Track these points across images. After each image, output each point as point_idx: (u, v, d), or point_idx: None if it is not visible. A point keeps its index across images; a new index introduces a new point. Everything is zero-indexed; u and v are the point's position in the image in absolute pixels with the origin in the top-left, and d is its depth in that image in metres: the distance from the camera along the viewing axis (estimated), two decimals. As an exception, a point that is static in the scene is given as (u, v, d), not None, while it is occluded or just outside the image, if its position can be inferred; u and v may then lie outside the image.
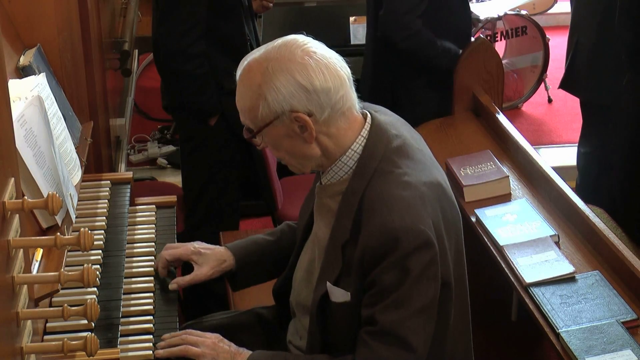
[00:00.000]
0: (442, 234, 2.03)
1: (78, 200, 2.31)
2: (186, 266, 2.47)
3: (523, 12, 5.84)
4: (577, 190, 4.04)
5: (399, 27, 3.70)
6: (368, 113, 2.11)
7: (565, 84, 4.12)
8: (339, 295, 2.07)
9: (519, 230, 2.82)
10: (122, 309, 2.25)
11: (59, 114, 2.35)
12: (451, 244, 2.08)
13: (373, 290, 2.00)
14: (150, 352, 2.15)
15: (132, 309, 2.30)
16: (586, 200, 2.93)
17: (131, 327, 2.23)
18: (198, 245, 2.42)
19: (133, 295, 2.35)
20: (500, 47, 5.77)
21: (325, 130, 2.04)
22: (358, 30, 4.88)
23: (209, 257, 2.39)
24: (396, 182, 2.01)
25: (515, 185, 3.15)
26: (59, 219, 2.03)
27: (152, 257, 2.52)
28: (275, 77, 1.98)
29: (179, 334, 2.18)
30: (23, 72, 2.32)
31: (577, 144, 4.30)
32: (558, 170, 3.13)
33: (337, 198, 2.10)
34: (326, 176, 2.12)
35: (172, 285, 2.38)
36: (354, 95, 2.07)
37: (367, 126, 2.09)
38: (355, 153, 2.07)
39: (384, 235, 1.96)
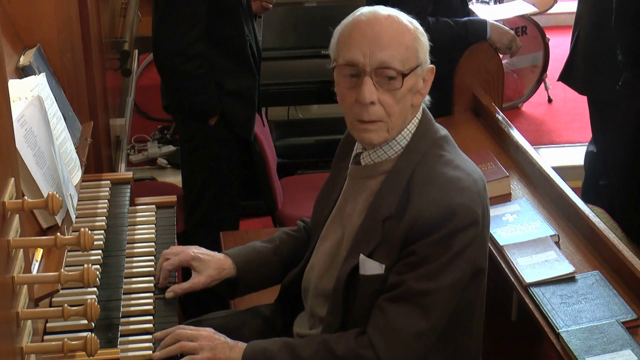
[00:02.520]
0: (486, 222, 2.11)
1: (78, 200, 2.31)
2: (185, 270, 2.47)
3: (523, 11, 5.84)
4: (582, 190, 4.04)
5: None
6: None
7: (563, 77, 4.12)
8: (371, 267, 2.08)
9: (519, 230, 2.83)
10: (122, 309, 2.25)
11: (59, 114, 2.35)
12: (487, 236, 2.15)
13: (410, 259, 2.03)
14: (150, 352, 2.14)
15: (132, 309, 2.30)
16: (589, 201, 2.93)
17: (131, 327, 2.23)
18: (197, 250, 2.40)
19: (133, 295, 2.35)
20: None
21: (417, 98, 2.14)
22: (358, 31, 4.87)
23: (209, 264, 2.37)
24: (451, 166, 2.09)
25: (515, 185, 3.15)
26: (59, 219, 2.03)
27: (152, 257, 2.51)
28: (421, 32, 2.11)
29: (171, 331, 2.16)
30: (23, 72, 2.32)
31: (577, 144, 4.30)
32: (558, 170, 3.13)
33: (379, 177, 2.13)
34: (371, 156, 2.14)
35: (169, 293, 2.36)
36: None
37: (421, 111, 2.17)
38: (409, 133, 2.13)
39: (439, 210, 2.01)
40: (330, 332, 2.15)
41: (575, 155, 4.98)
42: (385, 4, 3.72)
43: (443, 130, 2.19)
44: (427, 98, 2.19)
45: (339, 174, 2.28)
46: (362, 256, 2.09)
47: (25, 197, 1.47)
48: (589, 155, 4.15)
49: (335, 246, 2.22)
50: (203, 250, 2.42)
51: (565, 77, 4.08)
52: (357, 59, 2.03)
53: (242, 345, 2.13)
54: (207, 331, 2.15)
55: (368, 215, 2.11)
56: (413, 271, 2.02)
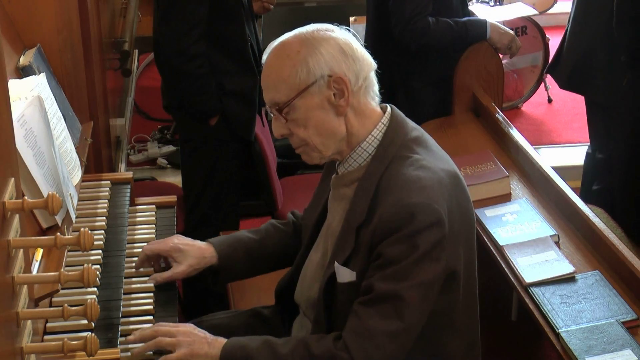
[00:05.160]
0: (455, 220, 2.06)
1: (78, 200, 2.31)
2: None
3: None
4: (580, 192, 4.04)
5: (409, 33, 3.70)
6: (388, 106, 2.17)
7: (550, 69, 4.12)
8: (345, 275, 2.08)
9: (519, 230, 2.83)
10: (122, 309, 2.25)
11: (59, 114, 2.35)
12: (463, 235, 2.11)
13: (377, 262, 2.02)
14: (151, 352, 2.14)
15: (132, 309, 2.30)
16: (588, 202, 2.93)
17: (131, 327, 2.23)
18: (178, 240, 2.40)
19: (133, 295, 2.35)
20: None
21: (356, 104, 2.09)
22: (358, 30, 4.88)
23: (189, 253, 2.37)
24: (414, 166, 2.06)
25: (515, 185, 3.15)
26: (59, 219, 2.03)
27: (152, 257, 2.52)
28: (318, 42, 2.06)
29: (150, 328, 2.14)
30: (23, 72, 2.32)
31: (577, 144, 4.31)
32: (558, 170, 3.13)
33: (353, 185, 2.13)
34: (344, 165, 2.16)
35: (150, 281, 2.37)
36: (376, 86, 2.15)
37: (388, 115, 2.15)
38: (375, 139, 2.12)
39: (399, 210, 1.99)
40: None
41: (575, 155, 4.98)
42: (386, 5, 3.77)
43: (416, 132, 2.15)
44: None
45: (326, 184, 2.29)
46: (336, 264, 2.09)
47: (25, 197, 1.47)
48: (585, 158, 4.16)
49: (322, 257, 2.23)
50: (184, 239, 2.41)
51: (552, 69, 4.09)
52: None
53: (222, 340, 2.11)
54: (187, 327, 2.14)
55: (344, 224, 2.12)
56: (380, 272, 2.01)
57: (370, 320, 2.00)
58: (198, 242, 2.41)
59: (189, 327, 2.14)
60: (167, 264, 2.44)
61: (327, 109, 2.07)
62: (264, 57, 2.12)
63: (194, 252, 2.37)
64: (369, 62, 2.12)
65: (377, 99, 2.16)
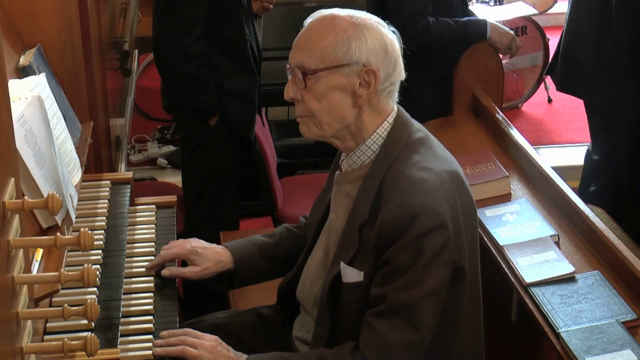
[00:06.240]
0: (460, 222, 2.06)
1: (78, 200, 2.31)
2: (185, 262, 2.48)
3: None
4: (579, 190, 4.03)
5: (409, 33, 3.70)
6: (395, 105, 2.18)
7: (549, 70, 4.12)
8: (351, 275, 2.08)
9: (519, 230, 2.83)
10: (122, 309, 2.25)
11: (59, 114, 2.35)
12: (467, 235, 2.11)
13: (386, 269, 2.02)
14: (150, 352, 2.15)
15: (132, 309, 2.30)
16: (585, 201, 2.93)
17: (131, 327, 2.23)
18: (195, 243, 2.42)
19: (133, 295, 2.35)
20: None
21: (375, 103, 2.10)
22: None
23: (207, 256, 2.39)
24: (417, 167, 2.07)
25: (515, 185, 3.15)
26: (59, 219, 2.03)
27: (152, 257, 2.51)
28: (366, 29, 2.08)
29: (178, 333, 2.17)
30: (23, 72, 2.32)
31: (577, 144, 4.30)
32: (558, 170, 3.13)
33: (357, 183, 2.14)
34: (348, 162, 2.16)
35: (165, 271, 2.40)
36: (397, 94, 2.16)
37: (394, 114, 2.15)
38: (380, 137, 2.12)
39: (402, 212, 1.99)
40: (320, 342, 2.15)
41: (575, 155, 4.98)
42: (386, 4, 3.77)
43: (420, 133, 2.16)
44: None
45: (331, 181, 2.29)
46: (342, 264, 2.09)
47: (25, 197, 1.47)
48: (585, 157, 4.15)
49: (325, 254, 2.23)
50: (201, 242, 2.43)
51: (551, 71, 4.09)
52: (289, 58, 2.13)
53: (243, 357, 2.14)
54: (211, 341, 2.16)
55: (347, 223, 2.12)
56: (392, 282, 2.01)
57: (386, 333, 2.01)
58: (215, 246, 2.43)
59: (214, 343, 2.16)
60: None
61: (347, 94, 2.07)
62: (307, 20, 2.14)
63: (210, 255, 2.40)
64: (401, 71, 2.13)
65: (394, 104, 2.16)
